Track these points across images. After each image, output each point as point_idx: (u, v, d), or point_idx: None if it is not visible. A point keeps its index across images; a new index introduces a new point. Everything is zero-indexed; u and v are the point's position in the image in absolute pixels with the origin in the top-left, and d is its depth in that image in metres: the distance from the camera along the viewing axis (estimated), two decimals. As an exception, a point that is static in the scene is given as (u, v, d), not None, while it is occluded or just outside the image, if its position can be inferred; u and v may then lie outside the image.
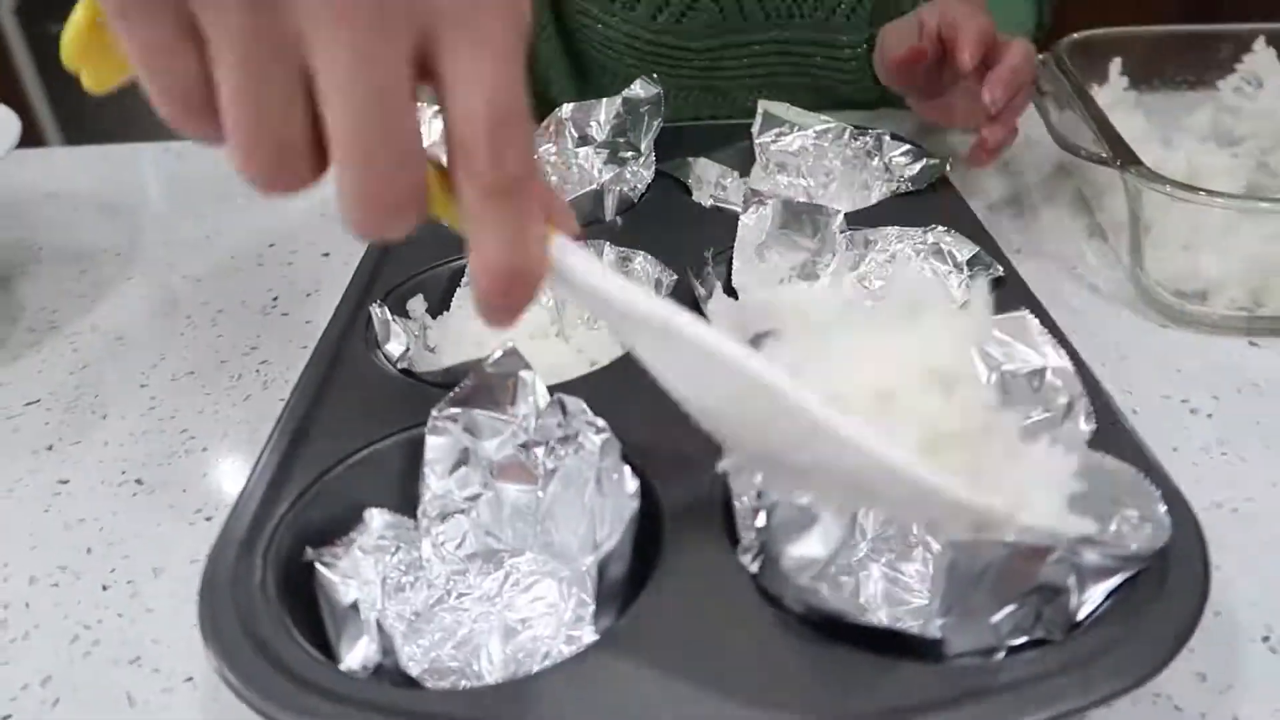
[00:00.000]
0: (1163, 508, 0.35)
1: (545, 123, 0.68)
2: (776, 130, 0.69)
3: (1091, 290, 0.62)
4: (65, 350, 0.63)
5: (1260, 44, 0.75)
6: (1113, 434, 0.41)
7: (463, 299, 0.55)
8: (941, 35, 0.67)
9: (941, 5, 0.69)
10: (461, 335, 0.53)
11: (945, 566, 0.33)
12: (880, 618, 0.35)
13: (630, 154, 0.66)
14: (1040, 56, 0.73)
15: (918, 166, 0.64)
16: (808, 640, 0.33)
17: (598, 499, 0.40)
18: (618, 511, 0.37)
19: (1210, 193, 0.52)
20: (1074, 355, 0.44)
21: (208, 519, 0.48)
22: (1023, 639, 0.33)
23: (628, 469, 0.38)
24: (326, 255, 0.72)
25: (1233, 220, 0.56)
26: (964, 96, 0.69)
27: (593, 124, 0.69)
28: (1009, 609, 0.33)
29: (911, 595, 0.37)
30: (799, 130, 0.68)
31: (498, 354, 0.41)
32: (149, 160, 0.96)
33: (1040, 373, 0.41)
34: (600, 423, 0.39)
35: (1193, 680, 0.36)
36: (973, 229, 0.57)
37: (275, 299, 0.67)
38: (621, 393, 0.45)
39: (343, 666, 0.35)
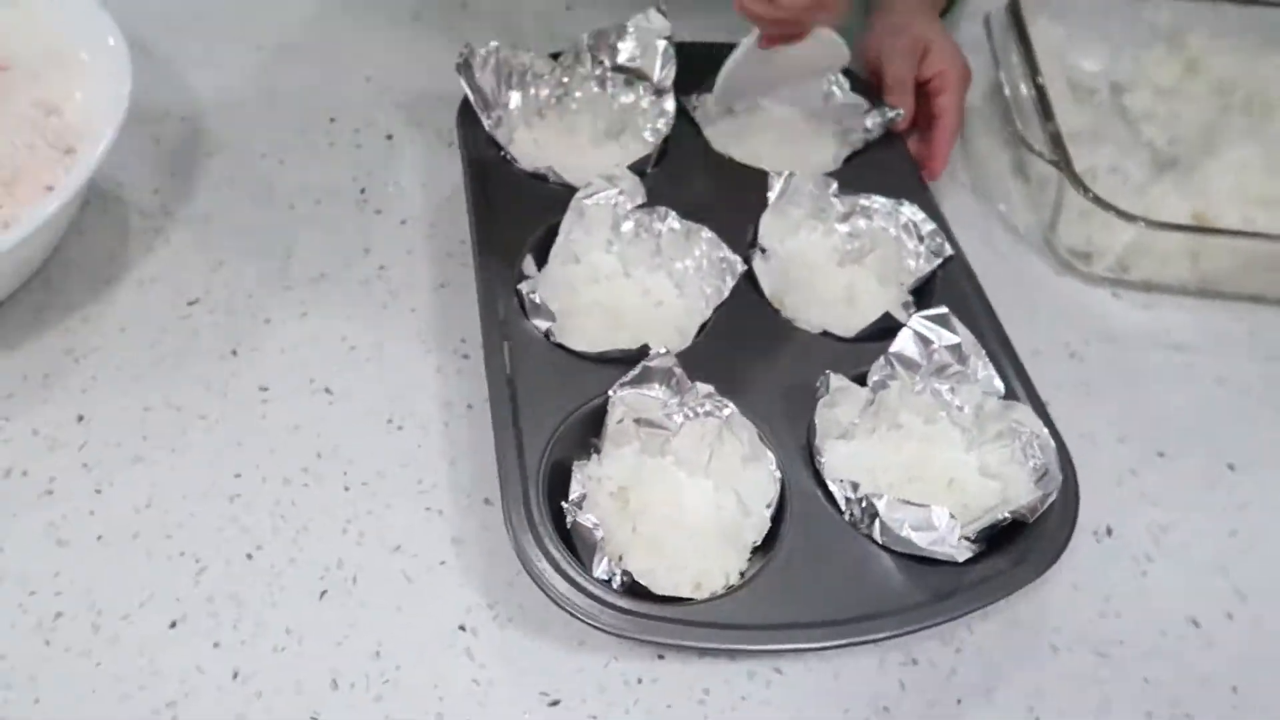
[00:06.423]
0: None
1: (564, 55, 0.76)
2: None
3: (1010, 232, 0.82)
4: (189, 240, 0.72)
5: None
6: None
7: (559, 250, 0.67)
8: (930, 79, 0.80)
9: (936, 44, 0.81)
10: (558, 282, 0.66)
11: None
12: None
13: (643, 84, 0.75)
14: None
15: (871, 120, 0.78)
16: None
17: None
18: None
19: (1131, 216, 0.71)
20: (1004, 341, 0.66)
21: (399, 428, 0.63)
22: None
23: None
24: (390, 138, 0.81)
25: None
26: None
27: (605, 52, 0.75)
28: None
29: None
30: None
31: (656, 356, 0.57)
32: None
33: (957, 346, 0.62)
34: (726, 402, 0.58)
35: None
36: (928, 205, 0.73)
37: (363, 191, 0.77)
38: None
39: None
